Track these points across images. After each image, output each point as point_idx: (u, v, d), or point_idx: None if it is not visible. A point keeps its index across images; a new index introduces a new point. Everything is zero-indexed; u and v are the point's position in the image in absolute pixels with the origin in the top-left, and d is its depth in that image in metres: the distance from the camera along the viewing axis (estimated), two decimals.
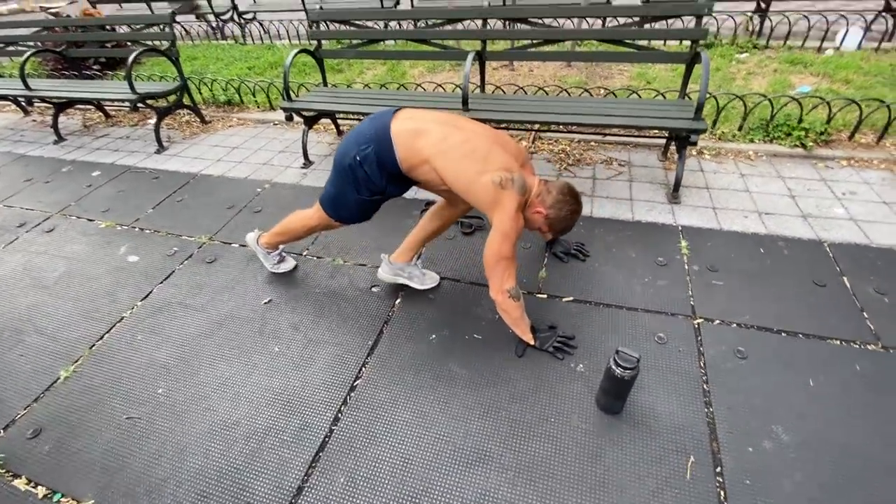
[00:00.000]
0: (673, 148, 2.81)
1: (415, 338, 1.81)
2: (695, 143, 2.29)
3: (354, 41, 3.39)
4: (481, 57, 2.82)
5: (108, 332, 1.96)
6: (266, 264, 2.19)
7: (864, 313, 1.73)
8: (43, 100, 3.75)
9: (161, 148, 3.45)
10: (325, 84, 3.31)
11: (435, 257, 2.21)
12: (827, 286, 1.86)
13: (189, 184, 3.02)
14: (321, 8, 2.93)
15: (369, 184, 1.58)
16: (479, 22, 2.83)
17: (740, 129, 2.95)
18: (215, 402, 1.61)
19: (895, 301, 1.77)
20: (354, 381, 1.66)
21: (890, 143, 2.77)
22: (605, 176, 2.74)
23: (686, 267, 2.02)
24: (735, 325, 1.73)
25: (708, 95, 3.00)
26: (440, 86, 3.60)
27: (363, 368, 1.70)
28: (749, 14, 4.99)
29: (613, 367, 1.33)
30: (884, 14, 4.59)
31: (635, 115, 2.40)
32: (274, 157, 3.24)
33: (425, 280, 2.04)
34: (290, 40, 6.08)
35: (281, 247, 2.16)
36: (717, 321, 1.75)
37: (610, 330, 1.75)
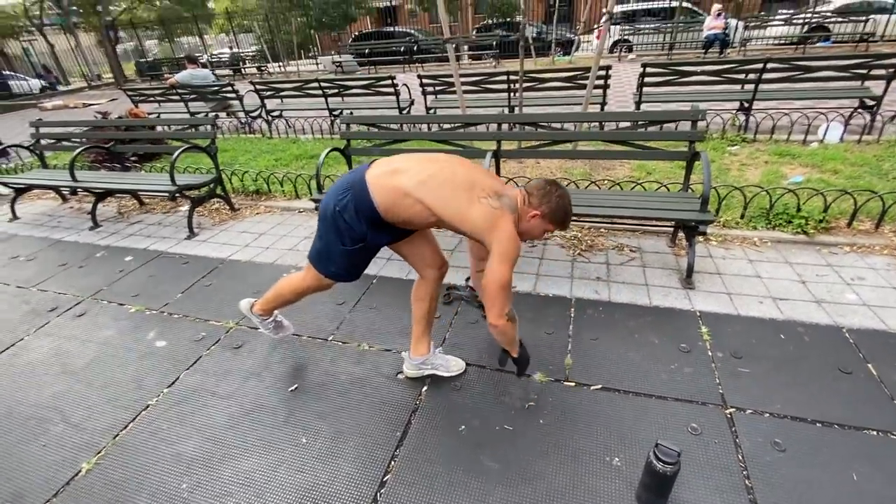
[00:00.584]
0: (681, 234, 2.95)
1: (444, 428, 1.79)
2: (704, 233, 2.42)
3: (380, 141, 3.72)
4: (496, 155, 3.08)
5: (132, 421, 1.95)
6: (264, 332, 2.19)
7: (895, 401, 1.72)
8: (86, 190, 4.03)
9: (192, 234, 3.64)
10: None
11: (460, 343, 2.25)
12: (853, 373, 1.86)
13: (217, 269, 3.14)
14: (352, 113, 3.26)
15: (351, 232, 1.61)
16: (494, 126, 3.13)
17: (742, 217, 3.12)
18: (241, 501, 1.57)
19: None
20: (384, 476, 1.62)
21: (888, 229, 2.91)
22: (618, 262, 2.85)
23: (710, 353, 2.04)
24: (768, 414, 1.72)
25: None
26: None
27: (392, 462, 1.67)
28: (734, 112, 5.47)
29: (654, 461, 1.31)
30: (860, 111, 5.04)
31: (645, 207, 2.57)
32: (299, 243, 3.41)
33: (450, 367, 2.06)
34: (312, 135, 6.63)
35: (276, 312, 2.15)
36: (750, 411, 1.74)
37: (642, 420, 1.74)
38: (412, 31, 18.12)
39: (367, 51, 16.98)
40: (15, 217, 4.35)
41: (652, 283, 2.60)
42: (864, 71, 4.88)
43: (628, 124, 3.54)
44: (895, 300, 2.29)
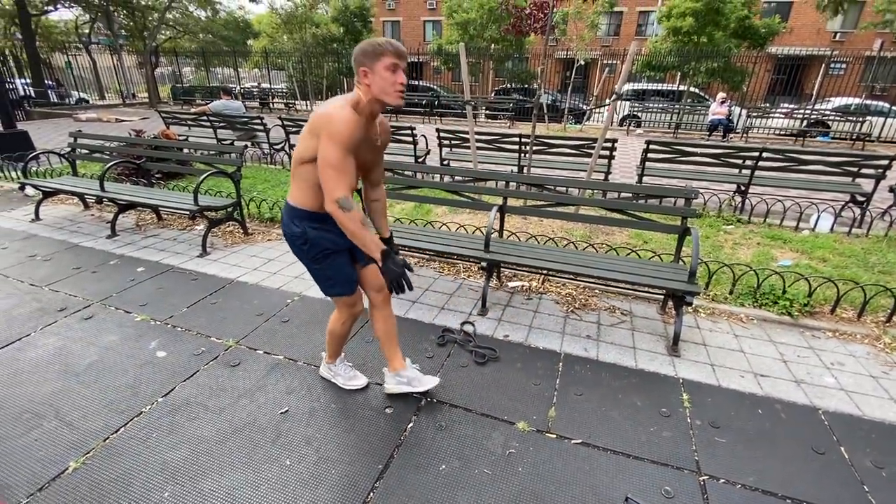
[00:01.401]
0: (671, 303, 3.08)
1: (425, 466, 1.84)
2: (690, 304, 2.55)
3: (394, 185, 3.96)
4: (502, 210, 3.28)
5: (124, 426, 2.00)
6: (340, 382, 2.26)
7: (864, 486, 1.77)
8: (111, 200, 4.23)
9: (204, 252, 3.79)
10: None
11: (449, 384, 2.32)
12: (825, 454, 1.92)
13: (224, 288, 3.26)
14: None
15: (301, 245, 1.81)
16: (502, 183, 3.36)
17: (731, 293, 3.25)
18: None
19: (893, 475, 1.82)
20: None
21: (870, 319, 3.03)
22: (609, 323, 2.96)
23: (689, 420, 2.10)
24: (740, 486, 1.76)
25: (700, 261, 3.38)
26: (462, 226, 4.07)
27: (371, 493, 1.71)
28: (731, 193, 5.76)
29: None
30: (850, 204, 5.30)
31: (636, 273, 2.72)
32: (305, 272, 3.53)
33: (424, 381, 2.16)
34: None
35: (342, 354, 2.28)
36: (723, 480, 1.79)
37: (618, 478, 1.78)
38: (435, 87, 19.21)
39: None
40: (37, 218, 4.54)
41: (639, 347, 2.69)
42: (855, 169, 5.19)
43: (629, 195, 3.76)
44: (872, 388, 2.37)
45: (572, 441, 1.98)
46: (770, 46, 18.17)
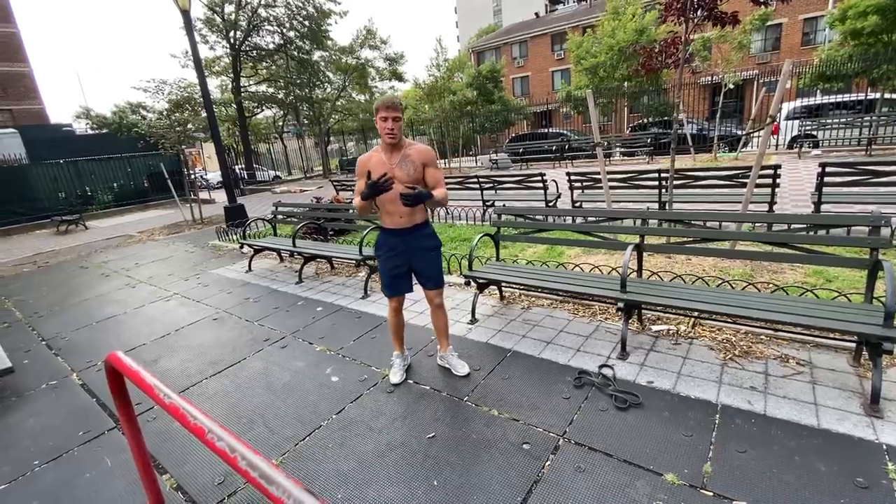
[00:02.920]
0: (867, 354, 2.54)
1: None
2: (890, 352, 2.10)
3: (525, 230, 4.16)
4: (639, 248, 3.19)
5: (309, 435, 2.45)
6: (390, 371, 2.97)
7: None
8: (299, 254, 5.29)
9: (366, 295, 4.44)
10: (499, 259, 4.02)
11: (587, 428, 2.29)
12: None
13: (381, 325, 3.77)
14: (504, 205, 3.77)
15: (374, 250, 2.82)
16: (639, 220, 3.28)
17: None
18: None
19: None
20: None
21: None
22: (780, 374, 2.57)
23: None
24: None
25: None
26: (596, 267, 4.01)
27: None
28: None
29: None
30: None
31: (812, 315, 2.36)
32: (449, 311, 3.87)
33: (459, 368, 2.89)
34: (466, 221, 7.50)
35: (398, 351, 3.00)
36: None
37: None
38: (565, 132, 19.34)
39: (521, 150, 18.60)
40: (250, 269, 5.89)
41: (823, 404, 2.28)
42: None
43: (796, 225, 3.28)
44: None
45: (734, 502, 1.77)
46: None
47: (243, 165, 22.17)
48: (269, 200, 12.97)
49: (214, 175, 25.51)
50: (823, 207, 4.85)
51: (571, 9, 38.56)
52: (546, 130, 20.55)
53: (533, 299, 3.97)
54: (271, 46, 21.68)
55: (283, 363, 3.30)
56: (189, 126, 10.97)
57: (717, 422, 2.24)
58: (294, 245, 5.17)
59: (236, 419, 2.67)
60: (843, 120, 12.30)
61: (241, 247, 6.86)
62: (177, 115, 11.29)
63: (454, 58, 22.86)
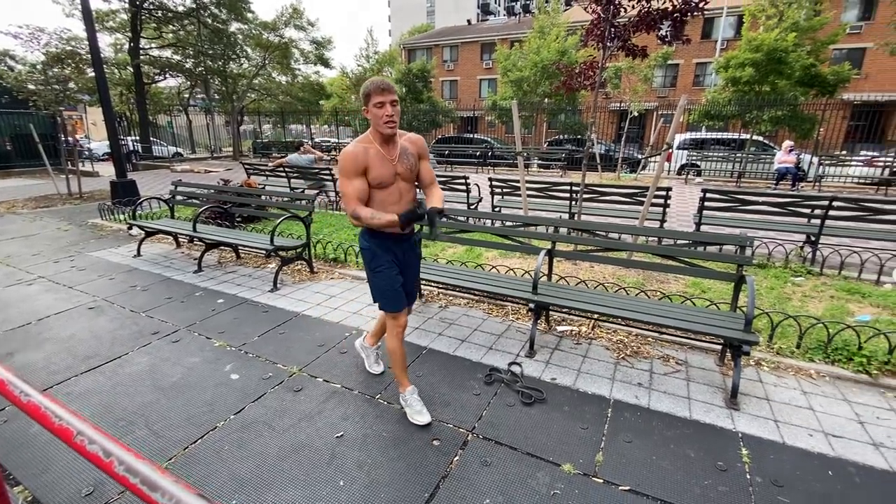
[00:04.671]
0: (729, 355, 2.96)
1: (469, 499, 1.88)
2: (747, 354, 2.46)
3: (447, 230, 4.20)
4: (550, 254, 3.38)
5: (201, 438, 2.23)
6: (409, 413, 2.38)
7: None
8: (200, 240, 4.81)
9: (275, 288, 4.17)
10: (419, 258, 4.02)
11: (496, 423, 2.37)
12: None
13: (291, 320, 3.56)
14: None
15: (364, 255, 2.28)
16: (552, 228, 3.48)
17: (798, 347, 3.07)
18: None
19: None
20: None
21: None
22: (662, 371, 2.89)
23: (748, 476, 2.00)
24: None
25: (761, 312, 3.25)
26: (512, 269, 4.19)
27: None
28: (801, 244, 5.45)
29: None
30: None
31: (689, 320, 2.68)
32: (363, 308, 3.78)
33: (375, 368, 2.78)
34: None
35: (411, 385, 2.44)
36: None
37: None
38: (489, 139, 20.01)
39: (446, 152, 18.88)
40: (138, 254, 5.23)
41: (695, 398, 2.60)
42: None
43: (681, 241, 3.73)
44: None
45: (620, 487, 1.95)
46: (844, 93, 17.34)
47: (138, 137, 19.67)
48: (167, 179, 11.63)
49: (100, 145, 22.33)
50: (703, 227, 5.57)
51: (501, 21, 40.09)
52: (471, 135, 21.06)
53: (451, 298, 4.03)
54: (181, 9, 19.53)
55: (175, 359, 2.97)
56: (71, 85, 9.45)
57: (609, 415, 2.44)
58: (195, 229, 4.70)
59: (113, 421, 2.34)
60: (720, 154, 14.31)
61: (130, 228, 6.07)
62: (55, 70, 9.67)
63: (385, 51, 22.53)
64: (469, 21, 42.50)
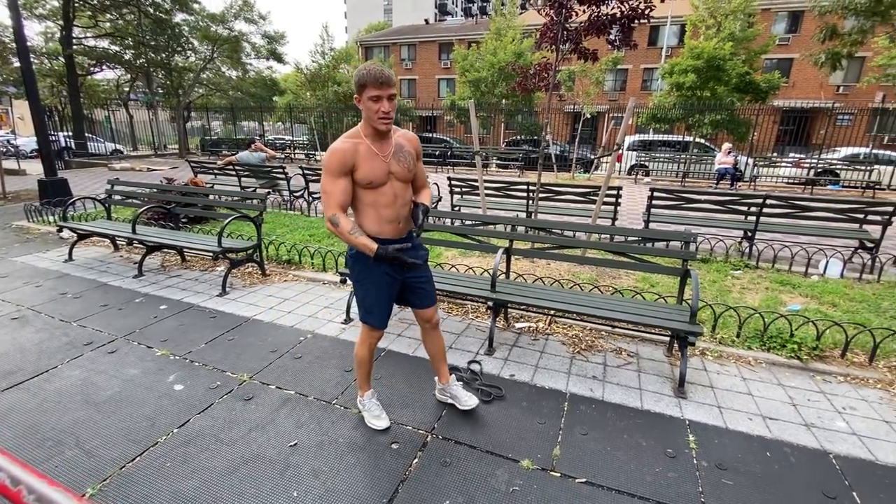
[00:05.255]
0: (677, 345, 3.10)
1: (429, 502, 1.85)
2: (693, 344, 2.59)
3: None
4: (508, 252, 3.41)
5: (140, 455, 2.07)
6: (366, 418, 2.30)
7: None
8: (141, 242, 4.50)
9: (224, 292, 3.97)
10: None
11: (454, 421, 2.36)
12: (836, 499, 1.89)
13: (241, 326, 3.39)
14: None
15: (352, 263, 2.07)
16: (509, 227, 3.52)
17: (738, 336, 3.26)
18: None
19: None
20: None
21: (882, 364, 2.99)
22: (615, 364, 2.98)
23: (695, 462, 2.09)
24: None
25: (705, 304, 3.42)
26: (471, 268, 4.20)
27: None
28: (739, 239, 5.82)
29: None
30: (860, 251, 5.31)
31: (639, 314, 2.78)
32: (319, 311, 3.67)
33: (465, 400, 2.38)
34: None
35: (372, 389, 2.34)
36: None
37: None
38: (448, 139, 20.08)
39: None
40: (70, 259, 4.82)
41: (645, 388, 2.70)
42: (861, 216, 5.24)
43: (631, 238, 3.88)
44: (884, 433, 2.33)
45: (576, 480, 1.98)
46: (774, 100, 18.73)
47: (71, 133, 18.20)
48: (104, 177, 10.82)
49: (29, 140, 20.49)
50: (651, 225, 5.83)
51: (458, 22, 40.33)
52: (431, 135, 21.05)
53: None
54: None
55: (111, 371, 2.75)
56: None
57: (566, 409, 2.49)
58: (134, 231, 4.38)
59: (39, 442, 2.13)
60: (666, 155, 15.08)
61: (60, 230, 5.59)
62: None
63: (341, 48, 22.08)
64: (427, 20, 42.45)
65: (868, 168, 12.48)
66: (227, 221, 4.10)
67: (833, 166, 13.39)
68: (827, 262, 4.90)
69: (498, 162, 17.32)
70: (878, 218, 5.14)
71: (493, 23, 22.77)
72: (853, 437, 2.30)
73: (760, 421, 2.41)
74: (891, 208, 5.06)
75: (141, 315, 3.54)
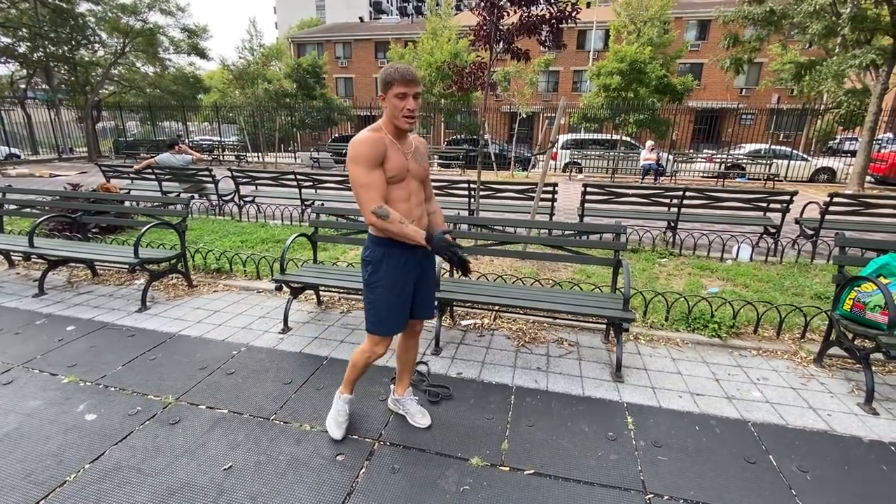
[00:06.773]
0: (613, 332, 3.25)
1: None
2: (627, 330, 2.72)
3: (345, 231, 4.02)
4: None
5: (44, 498, 1.82)
6: (330, 415, 2.25)
7: (792, 490, 1.90)
8: (41, 257, 3.99)
9: (143, 307, 3.61)
10: (316, 261, 3.78)
11: (402, 425, 2.30)
12: (756, 463, 2.06)
13: (165, 343, 3.11)
14: (323, 204, 3.57)
15: (366, 265, 1.99)
16: (451, 224, 3.50)
17: (667, 319, 3.48)
18: None
19: (816, 477, 1.97)
20: None
21: (787, 336, 3.33)
22: (557, 354, 3.07)
23: (634, 442, 2.19)
24: (682, 500, 1.84)
25: (636, 291, 3.62)
26: None
27: None
28: (663, 230, 6.25)
29: None
30: (765, 236, 5.89)
31: (578, 304, 2.88)
32: (253, 322, 3.45)
33: (419, 419, 2.31)
34: (282, 221, 6.91)
35: (352, 396, 2.25)
36: (667, 497, 1.86)
37: None
38: None
39: (344, 151, 18.28)
40: None
41: (586, 375, 2.80)
42: (765, 205, 5.82)
43: (567, 232, 4.03)
44: (793, 399, 2.58)
45: (525, 472, 2.00)
46: (689, 101, 20.40)
47: None
48: None
49: None
50: (585, 218, 6.10)
51: (394, 21, 40.04)
52: None
53: (353, 303, 3.86)
54: None
55: (6, 405, 2.40)
56: None
57: (512, 402, 2.52)
58: (31, 245, 3.87)
59: None
60: (597, 153, 15.93)
61: None
62: None
63: (271, 45, 21.09)
64: (361, 18, 41.72)
65: (768, 162, 13.96)
66: (144, 230, 3.73)
67: (740, 161, 14.83)
68: (738, 247, 5.39)
69: (440, 161, 17.38)
70: (779, 206, 5.74)
71: (429, 23, 22.80)
72: (767, 405, 2.53)
73: (689, 398, 2.58)
74: (787, 197, 5.66)
75: (43, 339, 3.13)
